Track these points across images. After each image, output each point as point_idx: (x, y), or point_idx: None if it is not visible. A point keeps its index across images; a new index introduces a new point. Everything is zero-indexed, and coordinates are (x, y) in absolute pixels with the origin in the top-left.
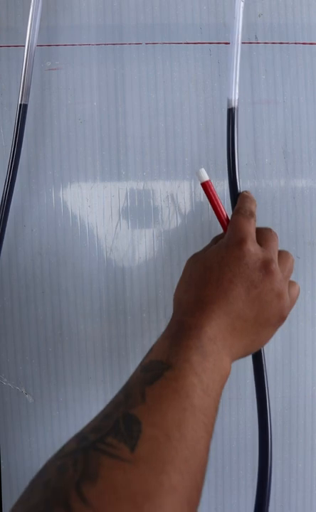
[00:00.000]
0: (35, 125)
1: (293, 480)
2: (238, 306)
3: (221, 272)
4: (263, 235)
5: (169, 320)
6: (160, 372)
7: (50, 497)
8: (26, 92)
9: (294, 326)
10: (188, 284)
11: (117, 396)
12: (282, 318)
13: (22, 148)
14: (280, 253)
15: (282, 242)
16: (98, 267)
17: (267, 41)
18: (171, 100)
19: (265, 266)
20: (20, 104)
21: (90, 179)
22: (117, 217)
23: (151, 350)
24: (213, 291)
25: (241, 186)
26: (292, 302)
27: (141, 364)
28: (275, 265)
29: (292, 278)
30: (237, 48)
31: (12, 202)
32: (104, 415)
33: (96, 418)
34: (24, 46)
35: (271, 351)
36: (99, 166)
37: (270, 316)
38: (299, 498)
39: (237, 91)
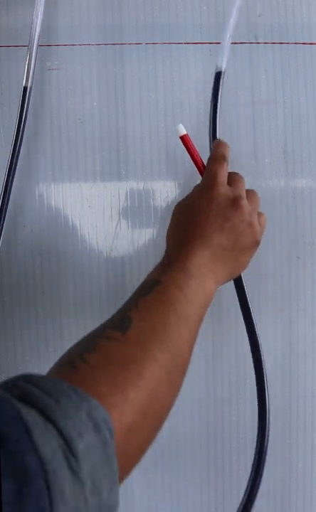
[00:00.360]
0: (35, 125)
1: (293, 480)
2: (217, 239)
3: (199, 213)
4: (232, 177)
5: None
6: (151, 288)
7: (60, 363)
8: (31, 74)
9: (294, 326)
10: (175, 227)
11: (121, 306)
12: (256, 243)
13: (22, 148)
14: (248, 191)
15: (282, 242)
16: (98, 267)
17: (267, 41)
18: (171, 100)
19: (235, 203)
20: (25, 87)
21: (90, 179)
22: (117, 217)
23: (146, 276)
24: (193, 230)
25: None
26: (262, 229)
27: (141, 283)
28: (244, 201)
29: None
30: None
31: (12, 202)
32: (109, 319)
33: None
34: (25, 45)
35: (271, 351)
36: (99, 166)
37: (245, 242)
38: (299, 498)
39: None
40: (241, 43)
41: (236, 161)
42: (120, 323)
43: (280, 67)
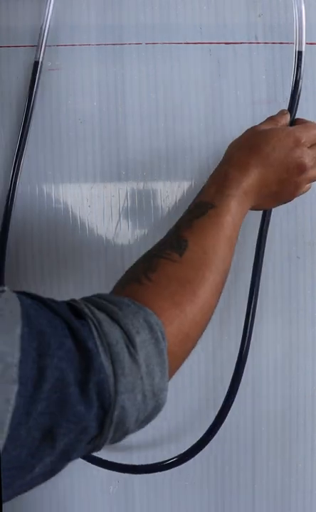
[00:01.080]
0: (35, 125)
1: (293, 480)
2: (270, 178)
3: (274, 150)
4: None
5: None
6: (206, 211)
7: (127, 279)
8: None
9: (294, 326)
10: (244, 145)
11: (176, 223)
12: (288, 200)
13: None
14: None
15: (282, 242)
16: (98, 267)
17: (267, 41)
18: (171, 100)
19: (302, 166)
20: (36, 62)
21: (90, 179)
22: (117, 217)
23: (201, 192)
24: (260, 160)
25: None
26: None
27: (193, 202)
28: (312, 171)
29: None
30: None
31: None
32: (166, 236)
33: (163, 237)
34: (25, 46)
35: (271, 351)
36: (99, 166)
37: (284, 195)
38: (299, 498)
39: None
40: (241, 43)
41: None
42: (177, 243)
43: (280, 67)
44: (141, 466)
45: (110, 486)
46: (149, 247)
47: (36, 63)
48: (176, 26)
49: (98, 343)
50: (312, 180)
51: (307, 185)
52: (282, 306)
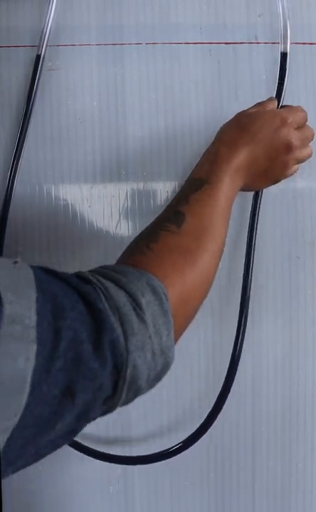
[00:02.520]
0: (35, 125)
1: (293, 480)
2: (258, 155)
3: (261, 128)
4: (306, 134)
5: None
6: (200, 186)
7: (132, 251)
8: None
9: (294, 326)
10: (233, 125)
11: (172, 200)
12: (278, 180)
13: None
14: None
15: (282, 242)
16: None
17: (267, 41)
18: (171, 100)
19: (289, 146)
20: (38, 55)
21: (90, 179)
22: (117, 217)
23: (194, 169)
24: (248, 138)
25: None
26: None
27: (188, 179)
28: (297, 151)
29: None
30: None
31: (12, 201)
32: (164, 212)
33: (160, 213)
34: (26, 46)
35: (271, 351)
36: (99, 166)
37: (273, 173)
38: (299, 498)
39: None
40: (241, 42)
41: None
42: (174, 217)
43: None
44: (139, 457)
45: (110, 486)
46: None
47: (38, 57)
48: (176, 26)
49: (107, 306)
50: (299, 160)
51: (295, 166)
52: (282, 306)
